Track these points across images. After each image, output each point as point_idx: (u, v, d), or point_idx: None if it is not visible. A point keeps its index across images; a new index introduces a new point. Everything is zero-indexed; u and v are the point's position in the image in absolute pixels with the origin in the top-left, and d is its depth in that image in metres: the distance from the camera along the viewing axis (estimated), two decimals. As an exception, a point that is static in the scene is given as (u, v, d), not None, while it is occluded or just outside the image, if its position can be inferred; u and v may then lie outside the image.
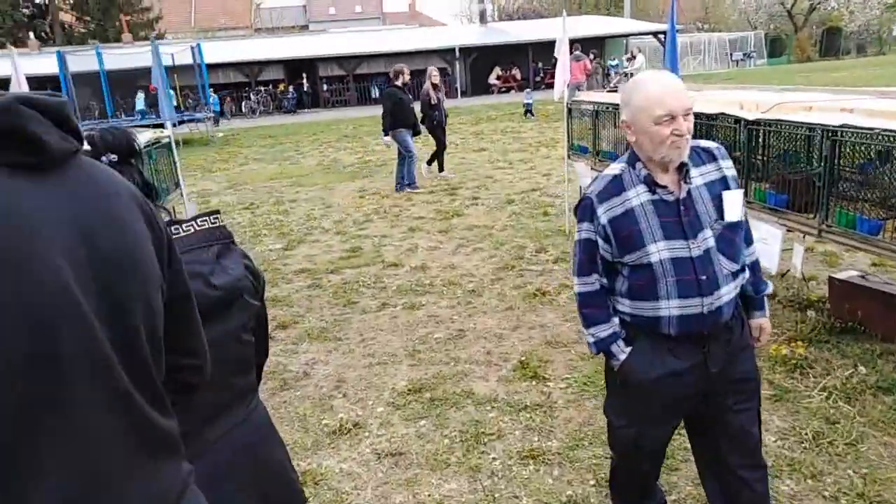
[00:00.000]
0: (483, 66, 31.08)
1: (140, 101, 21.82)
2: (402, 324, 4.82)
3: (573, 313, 4.70)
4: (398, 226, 7.71)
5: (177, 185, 5.94)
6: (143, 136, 5.40)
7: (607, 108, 5.90)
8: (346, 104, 30.65)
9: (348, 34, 34.20)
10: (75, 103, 18.52)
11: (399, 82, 9.58)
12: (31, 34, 37.67)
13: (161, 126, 18.81)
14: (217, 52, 28.24)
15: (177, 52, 19.90)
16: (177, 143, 17.93)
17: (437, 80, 10.27)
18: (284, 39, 32.93)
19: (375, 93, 30.97)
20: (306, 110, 28.87)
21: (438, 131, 10.23)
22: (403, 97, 9.55)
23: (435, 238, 7.06)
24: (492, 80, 30.74)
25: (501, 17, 48.24)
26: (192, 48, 19.45)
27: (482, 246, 6.62)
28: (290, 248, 7.07)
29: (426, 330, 4.67)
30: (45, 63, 21.19)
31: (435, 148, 10.47)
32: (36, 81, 24.64)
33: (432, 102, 10.03)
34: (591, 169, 6.27)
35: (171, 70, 19.97)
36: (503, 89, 30.28)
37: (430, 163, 10.47)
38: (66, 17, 40.61)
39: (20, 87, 5.64)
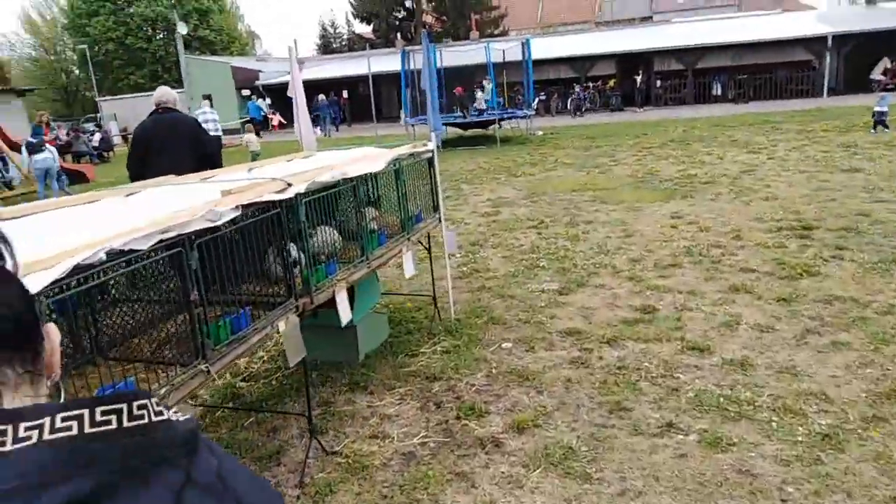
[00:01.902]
0: (864, 59, 25.08)
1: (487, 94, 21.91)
2: (692, 476, 3.02)
3: None
4: (716, 278, 5.67)
5: (435, 208, 4.95)
6: (401, 150, 4.49)
7: None
8: (681, 102, 27.76)
9: (691, 24, 30.89)
10: (416, 96, 19.73)
11: None
12: (399, 35, 42.78)
13: (481, 125, 19.03)
14: (550, 47, 27.96)
15: (507, 49, 19.84)
16: (494, 140, 18.02)
17: None
18: (620, 32, 31.20)
19: (717, 89, 27.43)
20: (636, 109, 26.84)
21: None
22: None
23: (769, 309, 4.89)
24: (875, 75, 24.59)
25: (897, -4, 38.76)
26: (521, 44, 19.13)
27: (848, 339, 4.28)
28: (566, 293, 5.62)
29: (731, 505, 2.80)
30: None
31: None
32: (391, 76, 27.46)
33: None
34: None
35: (500, 67, 20.07)
36: (890, 86, 23.97)
37: None
38: (428, 19, 44.99)
39: (295, 86, 5.23)
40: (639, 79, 27.57)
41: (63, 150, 21.33)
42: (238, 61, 35.55)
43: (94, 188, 14.54)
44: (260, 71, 33.42)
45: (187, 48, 35.01)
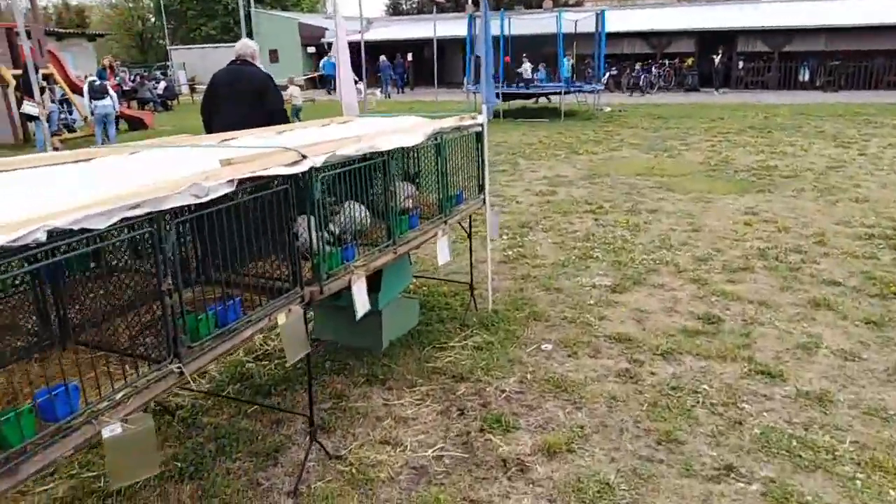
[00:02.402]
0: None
1: (566, 69, 20.76)
2: (754, 541, 2.50)
3: None
4: (793, 289, 5.00)
5: (480, 188, 4.44)
6: (445, 122, 4.00)
7: None
8: (763, 86, 26.05)
9: (784, 4, 28.75)
10: (480, 60, 19.07)
11: None
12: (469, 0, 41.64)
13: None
14: (626, 20, 26.62)
15: (580, 20, 18.84)
16: (558, 113, 17.21)
17: None
18: (703, 8, 29.34)
19: (805, 75, 25.58)
20: (714, 91, 25.30)
21: None
22: None
23: (855, 333, 4.23)
24: None
25: None
26: (596, 15, 18.09)
27: (953, 380, 3.62)
28: (620, 291, 5.07)
29: (801, 589, 2.28)
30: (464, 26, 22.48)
31: None
32: (458, 41, 26.65)
33: None
34: None
35: (571, 38, 19.12)
36: None
37: None
38: (502, -16, 43.56)
39: (339, 46, 4.79)
40: (717, 59, 25.91)
41: (128, 95, 21.63)
42: (306, 18, 35.33)
43: (151, 135, 14.59)
44: (326, 29, 33.10)
45: (259, 2, 34.96)
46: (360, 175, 3.13)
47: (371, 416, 3.44)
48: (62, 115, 14.98)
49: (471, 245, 4.81)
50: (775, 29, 25.31)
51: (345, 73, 4.90)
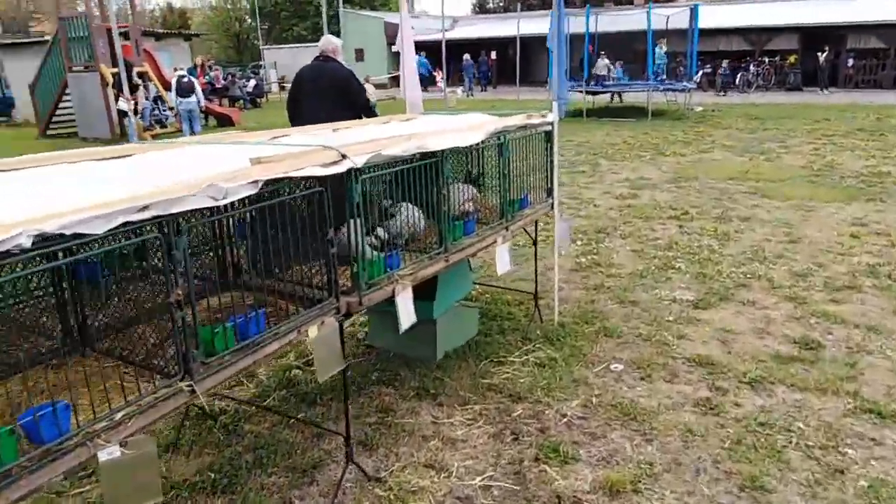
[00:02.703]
0: None
1: (660, 56, 19.78)
2: None
3: None
4: (910, 313, 4.36)
5: (549, 192, 4.09)
6: (510, 121, 3.68)
7: None
8: (875, 86, 24.00)
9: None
10: (574, 58, 18.41)
11: None
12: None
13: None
14: (722, 16, 25.24)
15: (672, 15, 17.94)
16: (645, 113, 16.42)
17: None
18: (806, 2, 27.36)
19: (924, 73, 23.34)
20: (819, 90, 23.51)
21: None
22: None
23: None
24: None
25: None
26: (689, 10, 17.14)
27: None
28: (703, 307, 4.59)
29: None
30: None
31: None
32: (542, 38, 26.08)
33: None
34: None
35: (662, 34, 18.26)
36: None
37: None
38: (591, -19, 42.49)
39: (403, 42, 4.59)
40: (822, 56, 24.00)
41: (219, 93, 22.47)
42: (391, 17, 35.64)
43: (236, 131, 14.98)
44: (412, 28, 33.26)
45: (348, 2, 35.62)
46: (411, 176, 2.88)
47: (417, 434, 3.19)
48: (155, 112, 15.67)
49: (536, 251, 4.47)
50: (892, 23, 23.23)
51: (409, 71, 4.68)
